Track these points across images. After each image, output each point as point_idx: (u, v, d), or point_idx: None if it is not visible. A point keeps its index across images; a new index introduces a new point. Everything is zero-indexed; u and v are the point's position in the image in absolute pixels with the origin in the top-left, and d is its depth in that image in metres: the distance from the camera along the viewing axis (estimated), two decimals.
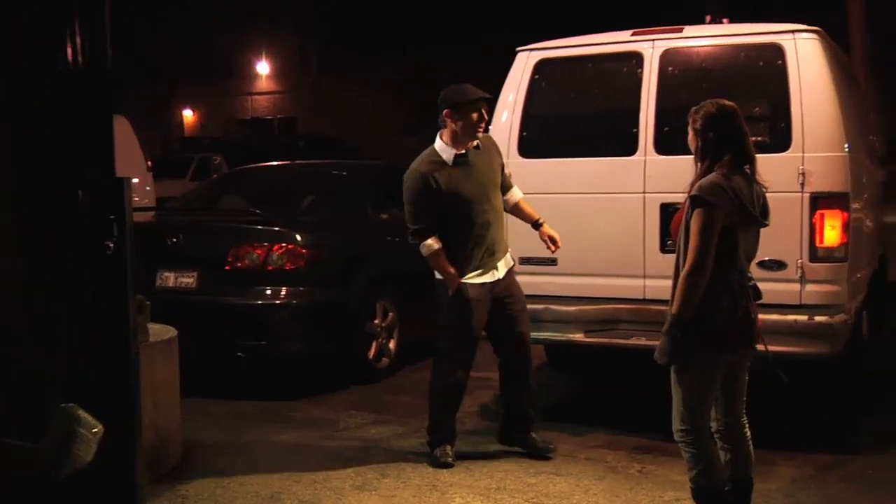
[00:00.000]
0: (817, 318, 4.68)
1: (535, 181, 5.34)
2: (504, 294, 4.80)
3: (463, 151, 4.68)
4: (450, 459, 4.76)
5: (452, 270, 4.67)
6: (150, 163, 11.56)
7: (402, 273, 6.90)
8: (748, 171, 3.50)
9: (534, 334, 5.21)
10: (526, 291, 5.30)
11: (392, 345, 6.81)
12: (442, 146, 4.70)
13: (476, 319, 4.74)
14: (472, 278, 4.71)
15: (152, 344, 4.54)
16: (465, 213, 4.65)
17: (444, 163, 4.67)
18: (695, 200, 3.40)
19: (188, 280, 6.18)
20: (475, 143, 4.72)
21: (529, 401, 4.96)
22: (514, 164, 5.43)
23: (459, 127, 4.64)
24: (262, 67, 38.13)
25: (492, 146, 4.89)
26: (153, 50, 32.05)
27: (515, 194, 4.97)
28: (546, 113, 5.65)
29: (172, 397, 4.74)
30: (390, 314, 6.78)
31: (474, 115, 4.63)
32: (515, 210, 4.97)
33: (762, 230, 3.61)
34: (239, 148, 23.28)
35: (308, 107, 33.48)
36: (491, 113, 5.25)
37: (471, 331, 4.77)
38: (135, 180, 11.29)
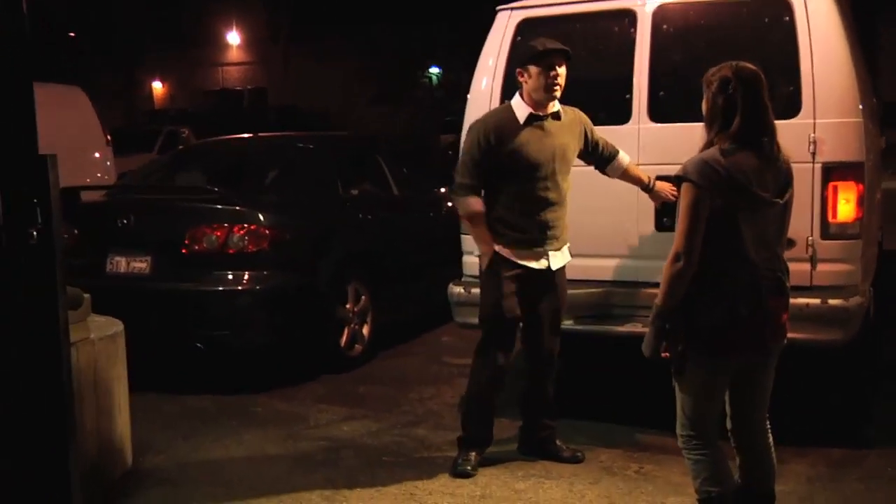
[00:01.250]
0: (831, 302, 4.25)
1: None
2: (546, 292, 4.28)
3: (540, 114, 4.16)
4: (469, 469, 4.22)
5: (489, 237, 4.17)
6: (109, 137, 10.91)
7: (375, 253, 6.47)
8: (766, 146, 3.03)
9: None
10: None
11: (365, 330, 6.35)
12: (518, 102, 4.20)
13: (510, 301, 4.21)
14: (511, 255, 4.19)
15: (94, 340, 4.04)
16: (522, 182, 4.13)
17: (515, 120, 4.16)
18: (678, 179, 3.02)
19: (141, 265, 5.67)
20: (556, 109, 4.19)
21: (550, 408, 4.45)
22: None
23: (529, 86, 4.13)
24: (233, 37, 37.35)
25: (577, 123, 4.30)
26: (118, 20, 31.21)
27: (623, 160, 4.40)
28: None
29: (119, 399, 4.25)
30: (363, 297, 6.31)
31: (542, 73, 4.08)
32: (625, 176, 4.44)
33: None
34: (208, 120, 22.55)
35: (279, 78, 32.77)
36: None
37: (504, 312, 4.21)
38: (95, 154, 10.89)
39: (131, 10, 31.26)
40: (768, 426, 3.30)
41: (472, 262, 5.11)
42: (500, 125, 4.16)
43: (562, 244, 4.30)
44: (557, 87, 4.10)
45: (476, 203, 4.17)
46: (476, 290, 4.94)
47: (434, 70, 31.76)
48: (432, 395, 5.60)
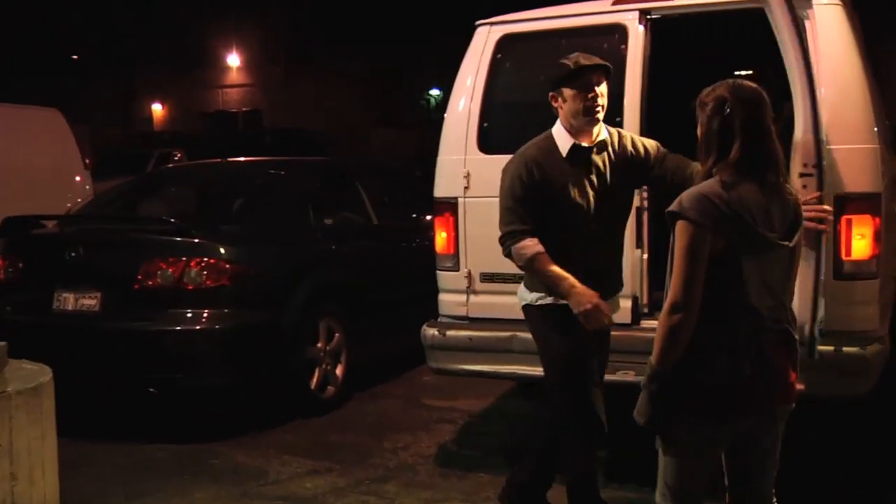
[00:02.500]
0: (846, 350, 3.78)
1: (497, 182, 4.42)
2: (596, 348, 3.61)
3: (584, 144, 3.52)
4: None
5: (566, 274, 3.39)
6: (87, 160, 10.51)
7: (350, 286, 6.02)
8: (770, 177, 2.59)
9: (501, 368, 4.35)
10: (490, 314, 4.44)
11: (339, 371, 5.89)
12: (559, 131, 3.55)
13: (578, 347, 3.49)
14: (546, 299, 3.54)
15: (11, 394, 3.56)
16: (565, 222, 3.49)
17: (557, 152, 3.52)
18: (671, 216, 2.56)
19: (90, 302, 5.21)
20: (602, 138, 3.55)
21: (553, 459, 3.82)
22: (474, 161, 4.52)
23: (566, 112, 3.51)
24: (233, 59, 37.08)
25: (628, 144, 3.63)
26: (119, 41, 31.08)
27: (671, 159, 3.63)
28: (511, 99, 4.73)
29: (44, 460, 3.76)
30: (336, 335, 5.86)
31: (578, 95, 3.45)
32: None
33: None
34: (202, 143, 22.18)
35: (278, 99, 32.49)
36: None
37: (583, 364, 3.50)
38: (75, 178, 10.48)
39: (131, 31, 31.11)
40: (775, 502, 2.82)
41: (449, 301, 4.67)
42: (542, 158, 3.51)
43: (613, 291, 3.68)
44: (599, 109, 3.49)
45: (532, 245, 3.41)
46: (454, 333, 4.51)
47: (434, 92, 31.43)
48: (408, 444, 5.12)
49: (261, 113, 32.73)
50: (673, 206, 2.55)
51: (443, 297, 4.69)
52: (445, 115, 4.68)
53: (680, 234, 2.53)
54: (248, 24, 34.33)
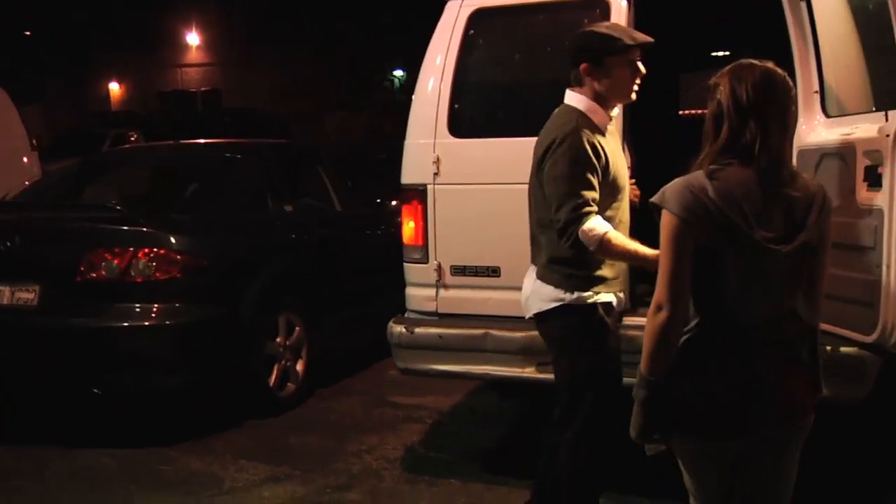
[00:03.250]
0: (843, 351, 3.52)
1: (469, 168, 4.14)
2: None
3: (610, 118, 3.24)
4: None
5: (640, 246, 3.06)
6: (34, 141, 9.99)
7: (312, 278, 5.69)
8: (768, 167, 2.27)
9: (473, 368, 4.05)
10: (462, 310, 4.15)
11: (300, 367, 5.56)
12: (591, 105, 3.16)
13: (618, 349, 3.24)
14: (604, 294, 3.19)
15: None
16: (614, 203, 3.20)
17: (596, 128, 3.15)
18: (654, 207, 2.33)
19: (28, 296, 4.81)
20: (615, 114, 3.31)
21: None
22: (444, 145, 4.20)
23: (606, 87, 3.15)
24: (193, 38, 36.32)
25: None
26: (72, 19, 30.22)
27: None
28: (484, 79, 4.42)
29: None
30: (296, 329, 5.53)
31: (630, 72, 3.16)
32: None
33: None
34: (159, 123, 21.59)
35: (238, 80, 31.84)
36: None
37: (617, 370, 3.21)
38: (23, 160, 9.97)
39: (86, 8, 30.25)
40: None
41: (418, 295, 4.35)
42: (592, 132, 3.12)
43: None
44: (636, 89, 3.23)
45: (602, 224, 3.03)
46: (422, 330, 4.20)
47: (398, 73, 30.97)
48: (373, 447, 4.82)
49: (220, 93, 32.05)
50: (655, 197, 2.32)
51: (410, 291, 4.37)
52: (413, 97, 4.35)
53: (663, 227, 2.29)
54: (208, 2, 33.63)
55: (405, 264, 4.36)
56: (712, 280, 2.27)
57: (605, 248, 3.03)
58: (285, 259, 5.52)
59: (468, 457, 4.59)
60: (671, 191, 2.29)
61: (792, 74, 3.50)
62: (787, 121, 2.32)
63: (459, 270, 4.13)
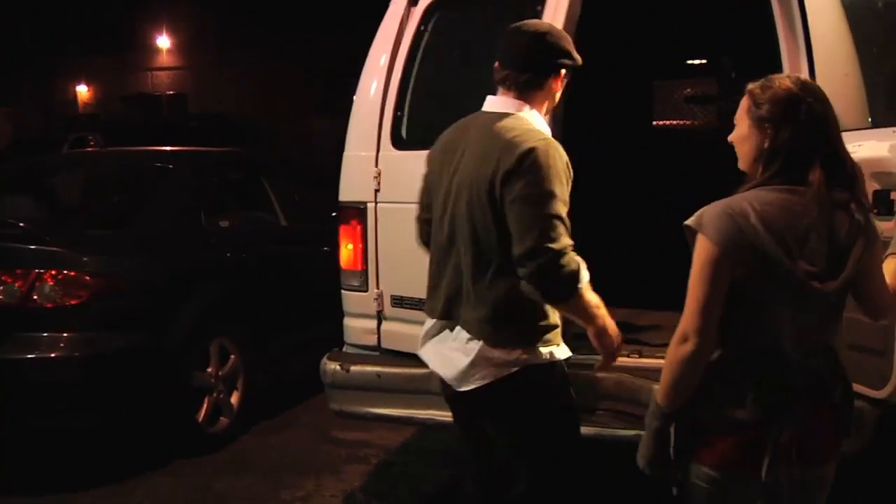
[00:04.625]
0: None
1: (416, 184, 3.60)
2: None
3: None
4: None
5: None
6: None
7: (250, 300, 5.17)
8: (817, 192, 2.05)
9: (416, 413, 3.56)
10: (400, 346, 3.64)
11: (234, 399, 5.05)
12: (539, 119, 2.59)
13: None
14: (559, 346, 2.60)
15: None
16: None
17: None
18: (688, 231, 2.14)
19: None
20: None
21: None
22: (387, 158, 3.71)
23: (552, 97, 2.63)
24: (163, 41, 35.70)
25: None
26: (39, 20, 29.59)
27: None
28: (437, 83, 3.93)
29: None
30: (231, 357, 5.02)
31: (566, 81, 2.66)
32: None
33: None
34: (122, 127, 20.96)
35: (209, 84, 31.23)
36: None
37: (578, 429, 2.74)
38: None
39: (54, 10, 29.63)
40: None
41: (356, 328, 3.86)
42: None
43: None
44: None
45: (581, 262, 2.46)
46: (359, 369, 3.70)
47: None
48: (310, 493, 4.33)
49: (186, 97, 31.44)
50: (692, 220, 2.12)
51: (348, 322, 3.88)
52: (354, 102, 3.85)
53: (697, 255, 2.11)
54: (180, 5, 33.09)
55: (343, 292, 3.88)
56: (744, 310, 2.10)
57: (577, 299, 2.45)
58: (219, 279, 5.00)
59: (419, 501, 4.11)
60: (709, 215, 2.10)
61: None
62: (836, 144, 2.12)
63: (398, 301, 3.64)
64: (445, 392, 2.71)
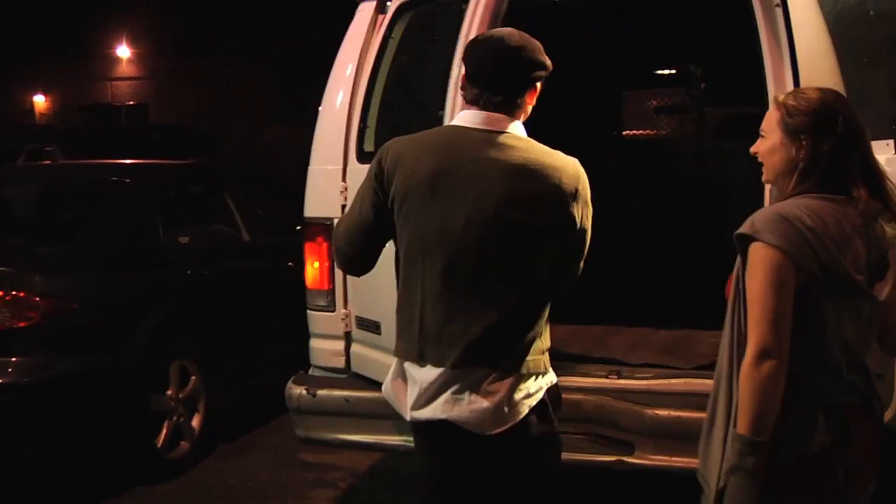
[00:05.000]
0: None
1: None
2: None
3: None
4: None
5: None
6: None
7: (211, 319, 4.97)
8: (863, 199, 2.03)
9: (386, 439, 3.42)
10: (369, 372, 3.48)
11: (195, 422, 4.84)
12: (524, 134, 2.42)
13: None
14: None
15: None
16: None
17: None
18: (743, 241, 2.05)
19: None
20: None
21: None
22: (354, 172, 3.54)
23: (529, 108, 2.40)
24: (123, 51, 35.22)
25: None
26: None
27: None
28: (405, 94, 3.79)
29: None
30: (192, 378, 4.81)
31: None
32: None
33: None
34: (79, 138, 20.55)
35: (170, 94, 30.82)
36: None
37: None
38: None
39: (9, 17, 29.06)
40: None
41: (323, 349, 3.69)
42: None
43: None
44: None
45: None
46: (326, 393, 3.53)
47: None
48: None
49: (147, 107, 31.04)
50: (744, 227, 2.04)
51: (315, 343, 3.71)
52: (319, 115, 3.69)
53: (759, 263, 2.01)
54: (139, 14, 32.68)
55: (308, 312, 3.70)
56: (803, 320, 2.00)
57: None
58: (179, 298, 4.80)
59: None
60: (764, 220, 2.03)
61: (763, 92, 2.99)
62: (871, 155, 2.09)
63: (363, 324, 3.47)
64: (449, 445, 2.36)
